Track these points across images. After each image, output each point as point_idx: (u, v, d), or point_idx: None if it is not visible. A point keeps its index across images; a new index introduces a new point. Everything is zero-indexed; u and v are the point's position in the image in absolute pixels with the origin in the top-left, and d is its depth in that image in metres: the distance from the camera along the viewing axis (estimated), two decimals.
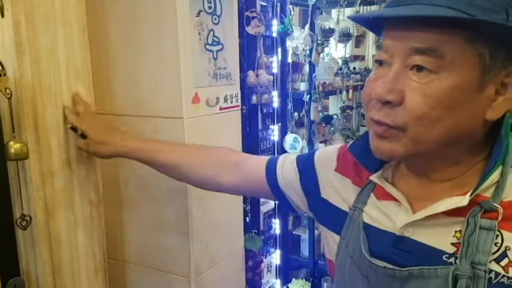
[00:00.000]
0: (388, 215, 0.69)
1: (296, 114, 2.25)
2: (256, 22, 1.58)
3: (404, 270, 0.62)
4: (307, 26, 2.18)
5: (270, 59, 1.78)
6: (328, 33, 2.32)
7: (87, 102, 1.13)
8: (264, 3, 1.73)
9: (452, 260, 0.60)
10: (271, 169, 0.91)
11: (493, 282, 0.57)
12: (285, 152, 1.97)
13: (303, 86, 2.20)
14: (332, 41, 2.55)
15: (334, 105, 3.11)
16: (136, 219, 1.44)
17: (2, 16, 0.94)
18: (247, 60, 1.60)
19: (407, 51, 0.58)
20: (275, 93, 1.84)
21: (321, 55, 2.25)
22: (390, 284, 0.64)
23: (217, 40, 1.37)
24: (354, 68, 2.94)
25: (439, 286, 0.59)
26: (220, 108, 1.42)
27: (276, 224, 1.94)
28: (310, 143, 2.16)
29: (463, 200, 0.60)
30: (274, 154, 1.89)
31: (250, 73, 1.61)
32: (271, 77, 1.73)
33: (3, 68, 0.93)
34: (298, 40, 2.25)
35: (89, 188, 1.19)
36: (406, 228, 0.65)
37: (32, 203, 1.02)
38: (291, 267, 2.15)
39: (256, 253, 1.70)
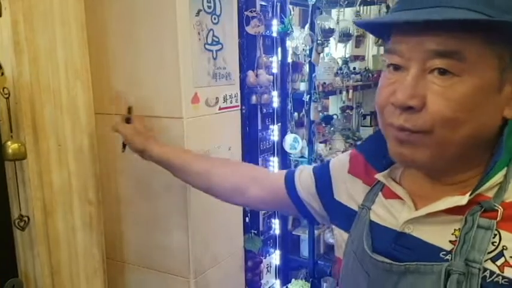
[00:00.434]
0: (392, 213, 0.70)
1: (296, 114, 2.25)
2: (256, 22, 1.58)
3: (401, 265, 0.63)
4: (307, 25, 2.17)
5: (270, 59, 1.78)
6: (328, 33, 2.31)
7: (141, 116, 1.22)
8: (263, 3, 1.73)
9: (448, 257, 0.61)
10: (290, 179, 0.93)
11: (487, 280, 0.57)
12: (285, 152, 1.97)
13: (302, 86, 2.19)
14: (332, 41, 2.55)
15: (334, 105, 3.11)
16: (136, 219, 1.43)
17: (0, 15, 0.93)
18: (247, 60, 1.60)
19: (426, 55, 0.57)
20: (275, 93, 1.84)
21: (321, 55, 2.25)
22: (388, 278, 0.64)
23: (216, 40, 1.36)
24: (354, 68, 2.93)
25: (434, 282, 0.59)
26: (220, 108, 1.42)
27: (276, 224, 1.94)
28: (310, 143, 2.16)
29: (462, 200, 0.60)
30: (274, 154, 1.89)
31: (250, 73, 1.61)
32: (271, 77, 1.73)
33: (1, 67, 0.93)
34: (298, 40, 2.24)
35: (87, 188, 1.18)
36: (407, 224, 0.66)
37: (30, 203, 1.02)
38: (291, 267, 2.15)
39: (256, 253, 1.69)
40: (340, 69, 2.70)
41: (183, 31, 1.24)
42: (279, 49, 1.89)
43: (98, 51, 1.33)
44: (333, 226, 0.84)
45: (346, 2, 2.55)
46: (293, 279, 2.08)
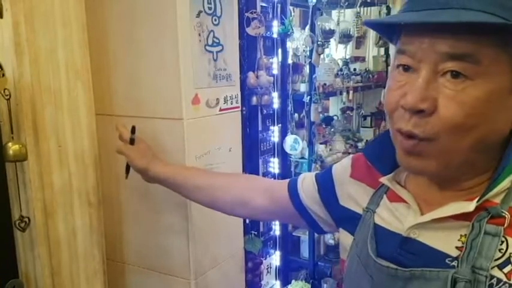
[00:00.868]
0: (397, 217, 0.69)
1: (296, 115, 2.25)
2: (257, 23, 1.58)
3: (406, 270, 0.62)
4: (308, 27, 2.18)
5: (270, 60, 1.78)
6: (328, 34, 2.32)
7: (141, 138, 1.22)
8: (264, 4, 1.73)
9: (455, 263, 0.60)
10: (293, 187, 0.93)
11: None
12: (285, 153, 1.97)
13: (303, 87, 2.20)
14: (332, 42, 2.55)
15: (334, 107, 3.11)
16: (136, 220, 1.43)
17: (1, 16, 0.93)
18: (248, 61, 1.60)
19: (439, 57, 0.56)
20: (275, 94, 1.84)
21: (321, 56, 2.25)
22: (393, 283, 0.64)
23: (217, 41, 1.36)
24: (355, 69, 2.93)
25: None
26: (220, 109, 1.42)
27: (276, 226, 1.94)
28: (311, 144, 2.16)
29: (469, 206, 0.59)
30: (274, 155, 1.89)
31: (251, 74, 1.61)
32: (272, 78, 1.73)
33: (2, 68, 0.93)
34: (298, 41, 2.25)
35: (88, 189, 1.18)
36: (412, 229, 0.65)
37: (30, 204, 1.02)
38: (291, 268, 2.15)
39: (256, 254, 1.69)
40: (341, 70, 2.70)
41: (184, 32, 1.24)
42: (280, 50, 1.89)
43: (99, 52, 1.34)
44: (340, 229, 0.84)
45: (346, 3, 2.56)
46: (293, 280, 2.08)
